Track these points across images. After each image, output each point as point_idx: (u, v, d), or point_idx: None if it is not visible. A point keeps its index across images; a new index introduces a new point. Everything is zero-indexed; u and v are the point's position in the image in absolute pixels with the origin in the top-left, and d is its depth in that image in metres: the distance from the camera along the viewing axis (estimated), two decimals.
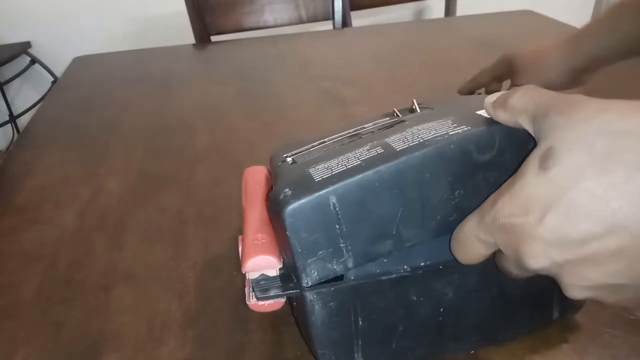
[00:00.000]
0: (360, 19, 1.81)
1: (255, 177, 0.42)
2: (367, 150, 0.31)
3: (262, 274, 0.34)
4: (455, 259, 0.30)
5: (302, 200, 0.29)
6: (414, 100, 0.38)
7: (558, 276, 0.25)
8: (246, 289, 0.36)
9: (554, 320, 0.37)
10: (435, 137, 0.30)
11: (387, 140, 0.31)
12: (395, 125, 0.34)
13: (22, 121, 2.10)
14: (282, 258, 0.33)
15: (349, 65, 0.98)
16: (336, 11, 1.31)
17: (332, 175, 0.29)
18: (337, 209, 0.29)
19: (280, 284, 0.33)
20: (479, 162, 0.30)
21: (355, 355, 0.33)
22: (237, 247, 0.41)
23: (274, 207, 0.30)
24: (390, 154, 0.30)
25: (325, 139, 0.36)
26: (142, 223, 0.54)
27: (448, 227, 0.30)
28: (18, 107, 2.15)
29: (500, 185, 0.26)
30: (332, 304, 0.31)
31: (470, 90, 0.69)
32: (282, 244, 0.32)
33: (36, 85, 2.16)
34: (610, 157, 0.22)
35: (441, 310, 0.33)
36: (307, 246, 0.29)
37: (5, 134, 2.22)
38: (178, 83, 0.94)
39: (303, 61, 1.01)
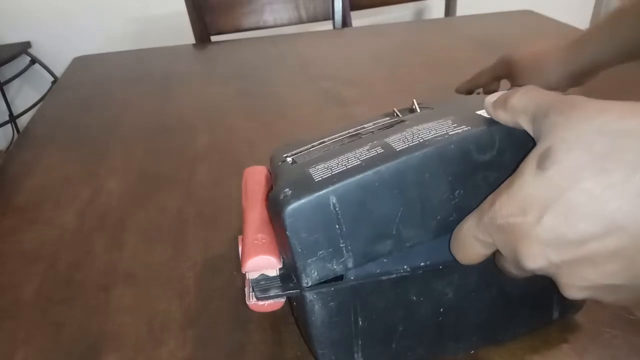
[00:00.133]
0: (360, 19, 1.81)
1: (255, 177, 0.42)
2: (367, 150, 0.31)
3: (262, 274, 0.34)
4: (455, 259, 0.30)
5: (302, 200, 0.29)
6: (414, 100, 0.38)
7: (556, 276, 0.25)
8: (246, 289, 0.36)
9: (554, 320, 0.37)
10: (435, 137, 0.30)
11: (387, 140, 0.31)
12: (395, 125, 0.34)
13: (22, 121, 2.10)
14: (282, 258, 0.33)
15: (349, 65, 0.98)
16: (336, 11, 1.31)
17: (332, 175, 0.29)
18: (337, 209, 0.29)
19: (280, 284, 0.33)
20: (479, 162, 0.30)
21: (355, 355, 0.33)
22: (237, 247, 0.41)
23: (274, 207, 0.30)
24: (390, 154, 0.30)
25: (325, 139, 0.36)
26: (142, 223, 0.54)
27: (448, 227, 0.30)
28: (18, 107, 2.15)
29: (500, 185, 0.27)
30: (332, 304, 0.31)
31: (468, 90, 0.69)
32: (282, 244, 0.32)
33: (36, 85, 2.16)
34: (609, 157, 0.22)
35: (441, 310, 0.33)
36: (307, 246, 0.29)
37: (5, 134, 2.22)
38: (178, 83, 0.94)
39: (303, 61, 1.01)
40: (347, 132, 0.36)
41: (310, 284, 0.30)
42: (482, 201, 0.27)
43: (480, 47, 1.00)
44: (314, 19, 1.33)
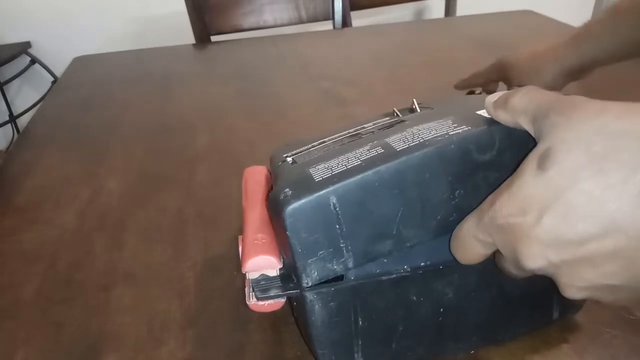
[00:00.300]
0: (360, 19, 1.81)
1: (255, 177, 0.42)
2: (367, 150, 0.31)
3: (262, 274, 0.34)
4: (455, 259, 0.30)
5: (302, 200, 0.29)
6: (414, 100, 0.38)
7: (555, 276, 0.25)
8: (246, 289, 0.36)
9: (554, 320, 0.37)
10: (435, 137, 0.30)
11: (387, 140, 0.31)
12: (396, 125, 0.34)
13: (22, 121, 2.10)
14: (282, 258, 0.33)
15: (349, 65, 0.98)
16: (336, 11, 1.31)
17: (332, 175, 0.29)
18: (337, 209, 0.29)
19: (280, 284, 0.33)
20: (479, 162, 0.30)
21: (355, 355, 0.33)
22: (237, 247, 0.41)
23: (274, 207, 0.30)
24: (390, 154, 0.30)
25: (326, 139, 0.36)
26: (142, 223, 0.54)
27: (448, 227, 0.30)
28: (18, 107, 2.15)
29: (500, 185, 0.27)
30: (332, 304, 0.31)
31: (465, 87, 0.70)
32: (282, 244, 0.32)
33: (36, 85, 2.16)
34: (608, 158, 0.22)
35: (441, 310, 0.33)
36: (307, 246, 0.29)
37: (5, 134, 2.22)
38: (178, 83, 0.94)
39: (303, 61, 1.01)
40: (347, 132, 0.36)
41: (310, 284, 0.30)
42: (482, 201, 0.27)
43: (480, 47, 1.00)
44: (314, 19, 1.33)
